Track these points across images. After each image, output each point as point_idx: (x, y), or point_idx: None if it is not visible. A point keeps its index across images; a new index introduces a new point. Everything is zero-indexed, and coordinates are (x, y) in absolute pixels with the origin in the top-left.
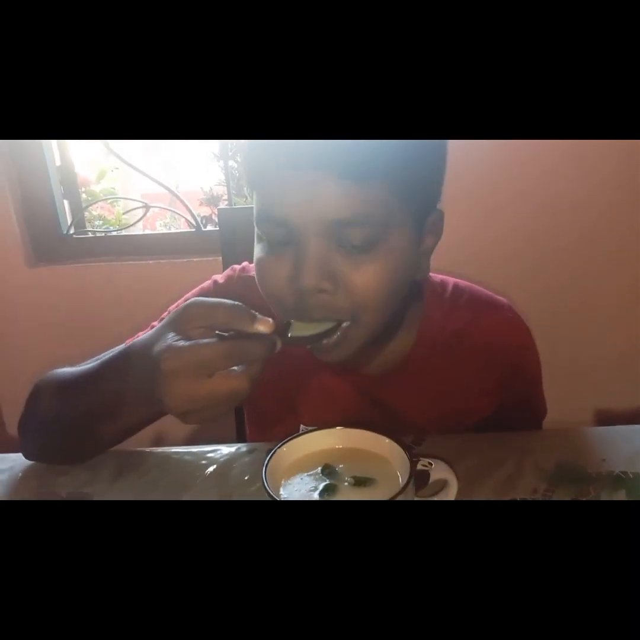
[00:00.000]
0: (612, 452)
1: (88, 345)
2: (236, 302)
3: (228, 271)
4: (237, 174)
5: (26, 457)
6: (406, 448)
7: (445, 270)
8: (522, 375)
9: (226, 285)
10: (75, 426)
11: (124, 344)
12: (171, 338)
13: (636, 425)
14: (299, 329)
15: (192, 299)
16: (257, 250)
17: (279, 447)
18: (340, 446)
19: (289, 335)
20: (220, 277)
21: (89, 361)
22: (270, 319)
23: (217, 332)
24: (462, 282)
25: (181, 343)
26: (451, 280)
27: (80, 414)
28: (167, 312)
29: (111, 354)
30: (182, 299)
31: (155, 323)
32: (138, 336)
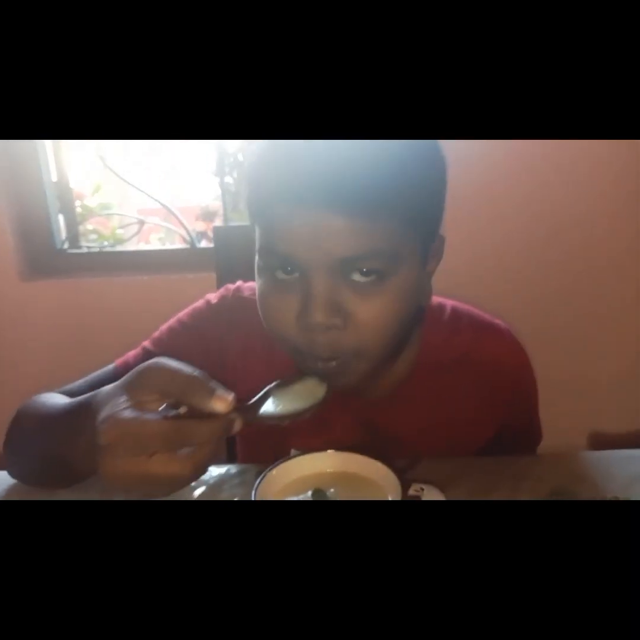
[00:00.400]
0: (607, 478)
1: (80, 360)
2: (195, 372)
3: (222, 291)
4: (234, 190)
5: (11, 476)
6: (398, 473)
7: (441, 286)
8: (520, 400)
9: (219, 306)
10: (47, 457)
11: (90, 395)
12: (119, 404)
13: (631, 450)
14: (276, 404)
15: (153, 361)
16: (260, 284)
17: (269, 471)
18: (331, 470)
19: (261, 412)
20: (213, 297)
21: (75, 385)
22: (229, 397)
23: (165, 405)
24: (461, 306)
25: (125, 414)
26: (449, 303)
27: (48, 450)
28: (158, 332)
29: (79, 400)
30: (175, 318)
31: (145, 343)
32: (128, 356)
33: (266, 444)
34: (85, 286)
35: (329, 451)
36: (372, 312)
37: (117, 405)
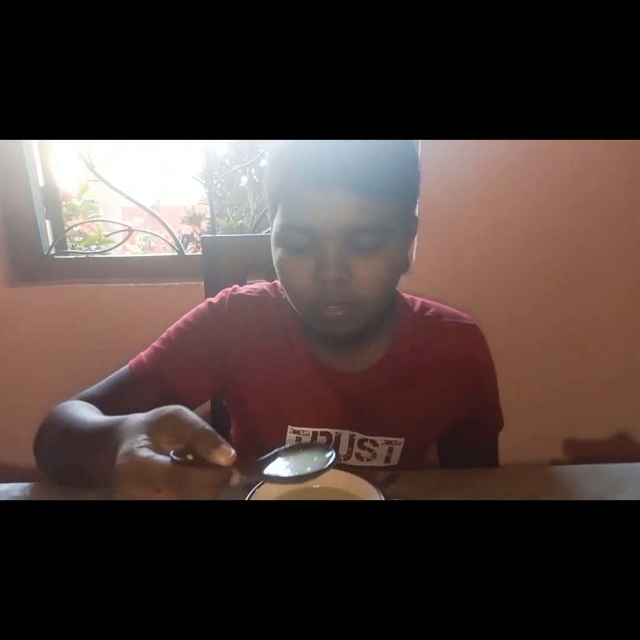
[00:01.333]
0: (577, 492)
1: (68, 365)
2: (207, 427)
3: (221, 293)
4: (221, 194)
5: (44, 474)
6: (378, 487)
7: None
8: (480, 386)
9: (219, 305)
10: (70, 465)
11: (116, 421)
12: (138, 441)
13: (601, 465)
14: (283, 466)
15: (175, 409)
16: (278, 253)
17: (257, 487)
18: (316, 486)
19: (265, 471)
20: (214, 299)
21: (96, 389)
22: (231, 451)
23: (178, 450)
24: (429, 300)
25: (141, 452)
26: (419, 298)
27: (70, 459)
28: (166, 333)
29: (105, 422)
30: (181, 319)
31: (156, 343)
32: (141, 356)
33: (263, 423)
34: (72, 292)
35: None
36: (370, 271)
37: (137, 442)
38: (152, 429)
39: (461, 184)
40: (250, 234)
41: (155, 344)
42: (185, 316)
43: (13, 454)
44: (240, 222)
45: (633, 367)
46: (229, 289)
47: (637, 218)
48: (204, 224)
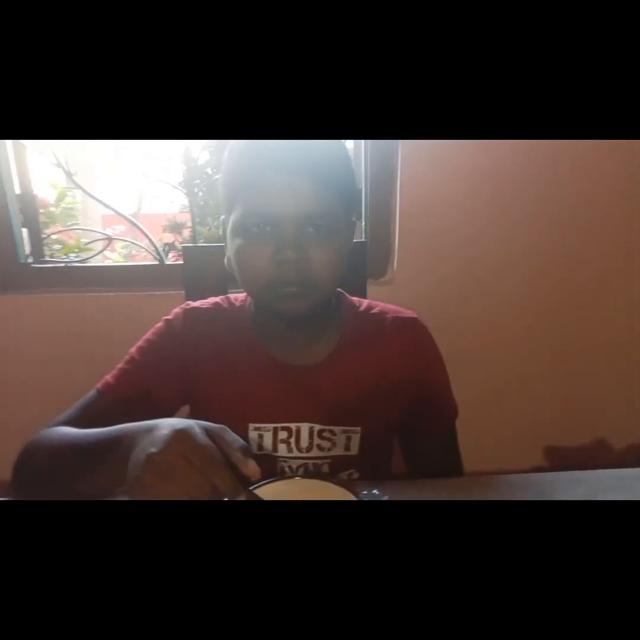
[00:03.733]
0: (558, 498)
1: (46, 375)
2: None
3: (176, 309)
4: (202, 203)
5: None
6: (359, 498)
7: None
8: (427, 376)
9: (176, 319)
10: (58, 487)
11: (118, 429)
12: (196, 425)
13: (584, 471)
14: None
15: (222, 426)
16: (237, 243)
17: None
18: (297, 497)
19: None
20: (170, 316)
21: (69, 414)
22: (259, 469)
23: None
24: (373, 301)
25: (199, 430)
26: (365, 300)
27: (61, 481)
28: (129, 354)
29: (105, 433)
30: (142, 339)
31: (120, 365)
32: (107, 379)
33: (224, 422)
34: (50, 301)
35: (295, 478)
36: (323, 253)
37: (196, 425)
38: (199, 427)
39: (439, 192)
40: None
41: (119, 365)
42: (145, 336)
43: None
44: (221, 230)
45: (614, 374)
46: (183, 305)
47: (626, 221)
48: (186, 233)
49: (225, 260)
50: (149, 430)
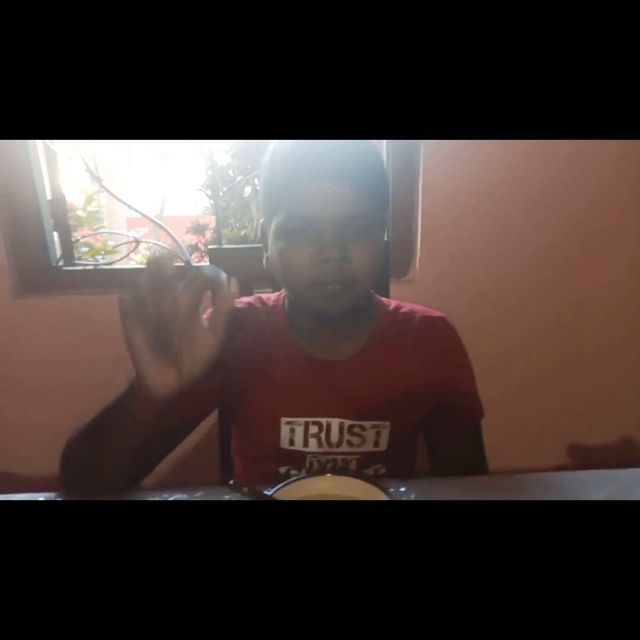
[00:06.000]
0: (583, 498)
1: (74, 377)
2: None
3: (209, 309)
4: (225, 205)
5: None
6: (390, 496)
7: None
8: (453, 374)
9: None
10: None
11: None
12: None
13: (610, 470)
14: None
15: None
16: (280, 246)
17: (270, 496)
18: (329, 493)
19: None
20: (205, 314)
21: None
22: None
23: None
24: (402, 302)
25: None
26: (393, 300)
27: (101, 455)
28: None
29: (118, 394)
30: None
31: None
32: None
33: (259, 420)
34: (80, 303)
35: (327, 475)
36: (362, 253)
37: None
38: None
39: (462, 193)
40: (257, 245)
41: None
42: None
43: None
44: (243, 232)
45: (638, 372)
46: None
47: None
48: (208, 234)
49: (264, 261)
50: None
